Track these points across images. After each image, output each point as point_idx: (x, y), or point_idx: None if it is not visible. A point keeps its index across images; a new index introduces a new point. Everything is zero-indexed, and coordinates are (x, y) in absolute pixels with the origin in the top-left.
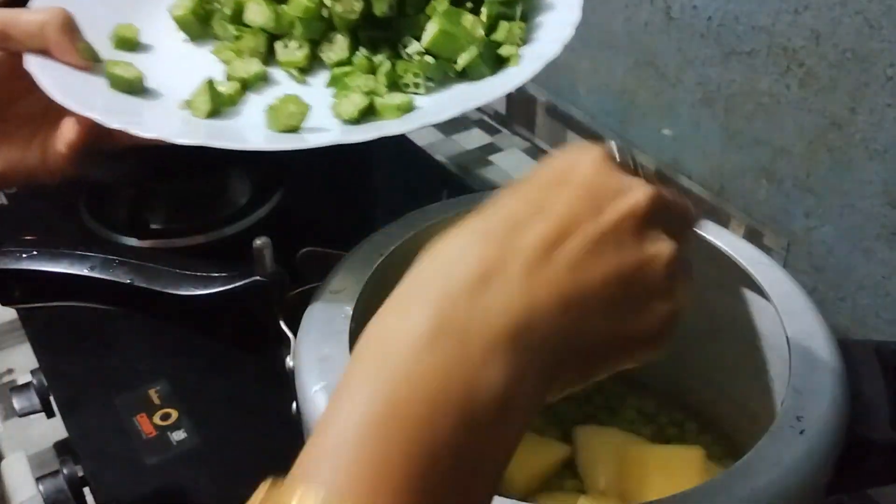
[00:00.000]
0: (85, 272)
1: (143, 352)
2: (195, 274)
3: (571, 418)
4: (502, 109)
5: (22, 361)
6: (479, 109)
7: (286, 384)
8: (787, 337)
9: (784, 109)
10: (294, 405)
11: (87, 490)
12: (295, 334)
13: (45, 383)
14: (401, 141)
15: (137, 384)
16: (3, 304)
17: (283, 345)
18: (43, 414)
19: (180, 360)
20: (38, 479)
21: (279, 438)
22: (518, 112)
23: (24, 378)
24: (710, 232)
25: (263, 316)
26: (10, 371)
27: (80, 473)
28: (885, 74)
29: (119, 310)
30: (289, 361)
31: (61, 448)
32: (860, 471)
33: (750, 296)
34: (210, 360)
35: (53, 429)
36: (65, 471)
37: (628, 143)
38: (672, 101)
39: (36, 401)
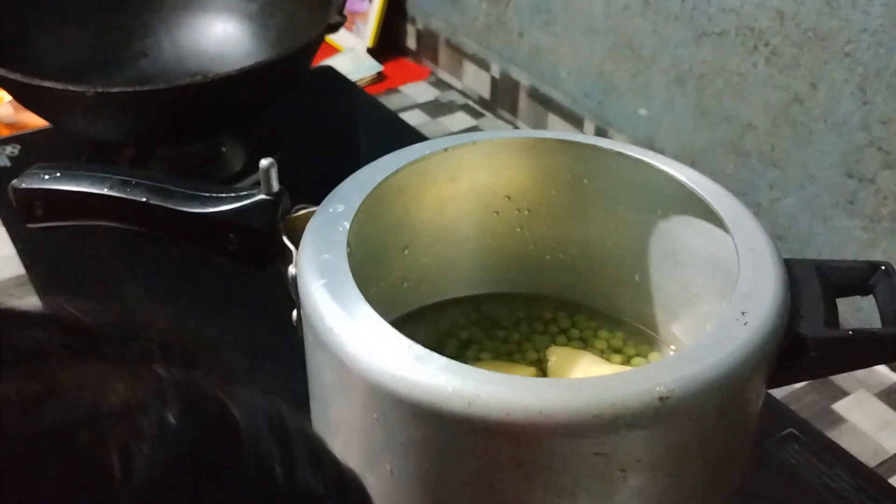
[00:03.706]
0: (105, 191)
1: (140, 294)
2: (205, 194)
3: (546, 347)
4: (486, 94)
5: None
6: (463, 94)
7: (281, 323)
8: (737, 252)
9: (751, 87)
10: (294, 313)
11: None
12: (297, 248)
13: None
14: (393, 119)
15: None
16: (25, 223)
17: (286, 259)
18: None
19: (177, 303)
20: None
21: (274, 377)
22: (502, 96)
23: None
24: (672, 167)
25: (268, 232)
26: None
27: None
28: (842, 51)
29: (134, 227)
30: (291, 269)
31: None
32: (799, 364)
33: (707, 226)
34: (206, 302)
35: None
36: None
37: (606, 123)
38: (647, 82)
39: None
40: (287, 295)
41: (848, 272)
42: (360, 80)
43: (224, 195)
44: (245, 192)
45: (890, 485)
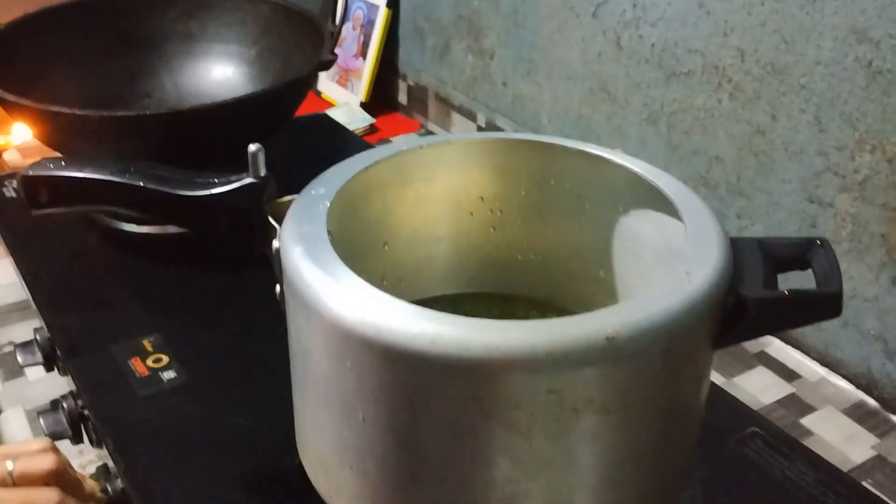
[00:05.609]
0: (105, 176)
1: (138, 309)
2: (197, 179)
3: None
4: None
5: (21, 335)
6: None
7: (269, 333)
8: (685, 225)
9: (717, 121)
10: (277, 287)
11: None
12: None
13: (48, 336)
14: None
15: (132, 335)
16: (31, 209)
17: (270, 236)
18: (41, 375)
19: (173, 316)
20: (40, 413)
21: (261, 378)
22: None
23: None
24: (628, 161)
25: (255, 212)
26: (10, 343)
27: (80, 407)
28: (798, 83)
29: (132, 211)
30: (275, 243)
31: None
32: (741, 323)
33: (663, 218)
34: (200, 316)
35: (50, 386)
36: (64, 405)
37: None
38: (622, 122)
39: (38, 355)
40: (277, 305)
41: (788, 247)
42: (354, 131)
43: (214, 180)
44: (234, 177)
45: (849, 476)
